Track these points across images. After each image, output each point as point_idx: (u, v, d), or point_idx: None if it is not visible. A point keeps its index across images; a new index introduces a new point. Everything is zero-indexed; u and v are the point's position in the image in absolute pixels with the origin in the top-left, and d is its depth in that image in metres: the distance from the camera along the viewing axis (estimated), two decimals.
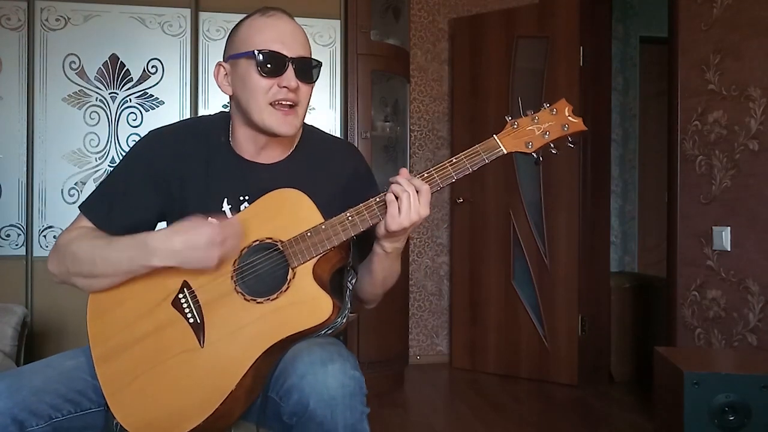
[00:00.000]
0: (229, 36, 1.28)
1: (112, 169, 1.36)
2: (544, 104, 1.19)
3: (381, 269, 1.25)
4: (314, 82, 1.26)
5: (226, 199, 1.26)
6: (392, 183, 1.15)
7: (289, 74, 1.20)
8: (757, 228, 2.45)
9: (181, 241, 1.12)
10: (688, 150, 2.69)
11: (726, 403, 1.85)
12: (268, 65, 1.19)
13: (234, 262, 1.16)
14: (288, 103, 1.21)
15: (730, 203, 2.54)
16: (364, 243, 1.28)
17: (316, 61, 1.26)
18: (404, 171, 1.17)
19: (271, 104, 1.20)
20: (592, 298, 3.45)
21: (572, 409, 3.09)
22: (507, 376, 3.55)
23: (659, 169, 3.63)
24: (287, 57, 1.20)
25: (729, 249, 2.53)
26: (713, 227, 2.59)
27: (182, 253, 1.12)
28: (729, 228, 2.53)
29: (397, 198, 1.13)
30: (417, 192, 1.14)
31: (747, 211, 2.48)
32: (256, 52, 1.19)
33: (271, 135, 1.24)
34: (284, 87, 1.19)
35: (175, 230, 1.14)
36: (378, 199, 1.16)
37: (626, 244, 4.40)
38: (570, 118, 1.18)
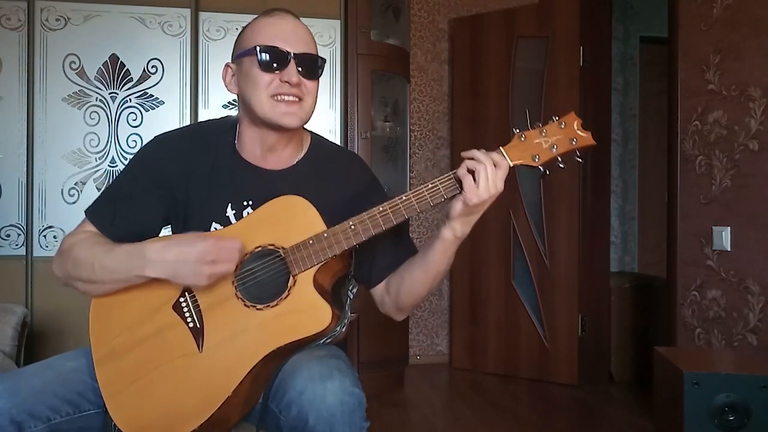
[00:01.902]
0: (236, 39, 1.29)
1: (118, 173, 1.36)
2: (553, 117, 1.17)
3: (441, 260, 1.21)
4: (318, 78, 1.25)
5: (230, 204, 1.25)
6: (465, 158, 1.12)
7: (291, 69, 1.19)
8: (757, 228, 2.45)
9: (174, 253, 1.12)
10: (688, 150, 2.69)
11: (726, 403, 1.85)
12: (269, 60, 1.19)
13: (236, 267, 1.16)
14: (290, 98, 1.20)
15: (730, 203, 2.54)
16: (395, 251, 1.27)
17: (321, 58, 1.25)
18: (482, 150, 1.14)
19: (273, 97, 1.20)
20: (592, 298, 3.45)
21: (572, 409, 3.09)
22: (507, 376, 3.55)
23: (659, 169, 3.63)
24: (288, 52, 1.19)
25: (729, 249, 2.53)
26: (713, 227, 2.59)
27: (173, 266, 1.12)
28: (729, 228, 2.53)
29: (471, 172, 1.11)
30: (495, 165, 1.11)
31: (747, 211, 2.48)
32: (257, 48, 1.19)
33: (276, 129, 1.23)
34: (286, 82, 1.19)
35: (172, 242, 1.14)
36: (381, 209, 1.14)
37: (626, 244, 4.40)
38: (579, 132, 1.16)
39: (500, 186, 1.12)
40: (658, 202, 3.83)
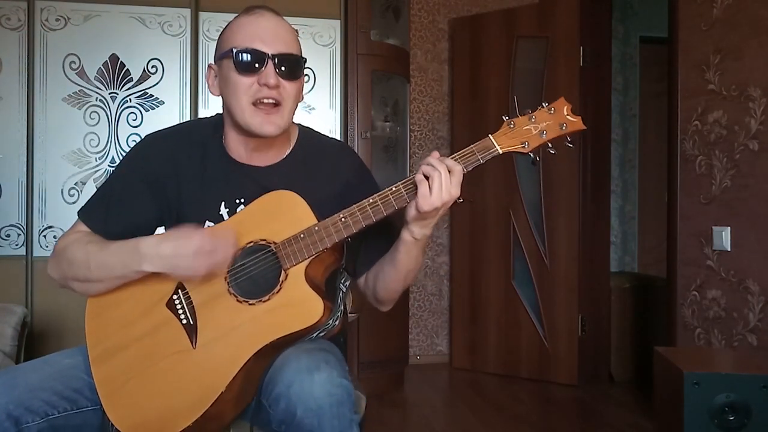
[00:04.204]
0: (218, 38, 1.27)
1: (110, 173, 1.36)
2: (542, 103, 1.17)
3: (407, 260, 1.22)
4: (298, 79, 1.23)
5: (223, 203, 1.25)
6: (423, 164, 1.13)
7: (269, 71, 1.17)
8: (757, 228, 2.45)
9: (171, 248, 1.12)
10: (688, 150, 2.69)
11: (726, 403, 1.85)
12: (246, 62, 1.17)
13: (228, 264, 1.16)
14: (270, 101, 1.18)
15: (730, 203, 2.54)
16: (375, 245, 1.27)
17: (301, 57, 1.23)
18: (436, 153, 1.15)
19: (253, 104, 1.18)
20: (592, 298, 3.45)
21: (572, 409, 3.09)
22: (507, 376, 3.55)
23: (659, 169, 3.63)
24: (266, 53, 1.17)
25: (729, 249, 2.53)
26: (713, 227, 2.59)
27: (171, 260, 1.12)
28: (729, 228, 2.53)
29: (427, 177, 1.11)
30: (449, 172, 1.12)
31: (747, 211, 2.48)
32: (234, 51, 1.18)
33: (255, 136, 1.22)
34: (264, 85, 1.17)
35: (166, 236, 1.14)
36: (372, 200, 1.15)
37: (626, 244, 4.40)
38: (568, 117, 1.16)
39: (455, 192, 1.12)
40: (658, 202, 3.83)
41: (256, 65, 1.17)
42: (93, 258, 1.18)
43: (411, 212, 1.15)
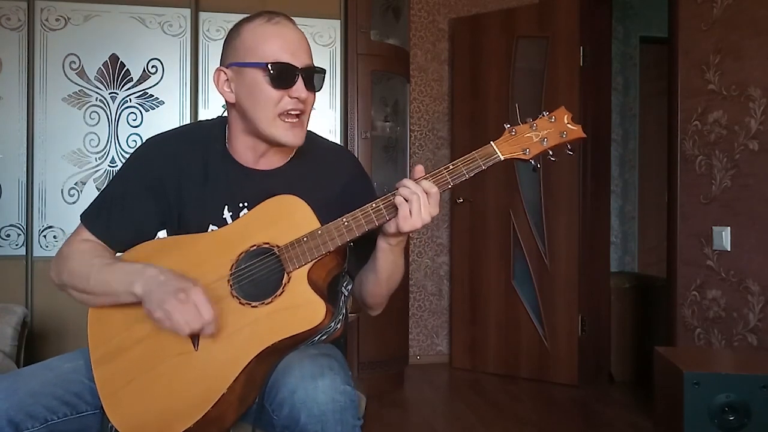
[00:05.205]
0: (228, 40, 1.25)
1: (112, 176, 1.36)
2: (543, 112, 1.20)
3: (386, 265, 1.24)
4: (320, 90, 1.26)
5: (226, 207, 1.26)
6: (399, 187, 1.14)
7: (299, 86, 1.19)
8: (757, 228, 2.45)
9: (163, 279, 1.11)
10: (688, 150, 2.70)
11: (726, 403, 1.85)
12: (280, 77, 1.18)
13: (231, 267, 1.17)
14: (296, 112, 1.21)
15: (730, 203, 2.54)
16: (362, 250, 1.28)
17: (321, 69, 1.25)
18: (420, 167, 1.17)
19: (279, 115, 1.20)
20: (592, 298, 3.45)
21: (572, 409, 3.09)
22: (507, 376, 3.55)
23: (659, 169, 3.63)
24: (297, 68, 1.19)
25: (729, 249, 2.53)
26: (713, 227, 2.59)
27: (154, 287, 1.11)
28: (729, 228, 2.53)
29: (406, 200, 1.13)
30: (426, 194, 1.14)
31: (747, 211, 2.48)
32: (269, 66, 1.17)
33: (277, 145, 1.24)
34: (295, 98, 1.19)
35: (170, 271, 1.13)
36: (374, 205, 1.16)
37: (626, 244, 4.40)
38: (569, 125, 1.19)
39: (435, 211, 1.15)
40: (658, 202, 3.83)
41: (289, 80, 1.19)
42: (94, 273, 1.18)
43: (390, 229, 1.17)
